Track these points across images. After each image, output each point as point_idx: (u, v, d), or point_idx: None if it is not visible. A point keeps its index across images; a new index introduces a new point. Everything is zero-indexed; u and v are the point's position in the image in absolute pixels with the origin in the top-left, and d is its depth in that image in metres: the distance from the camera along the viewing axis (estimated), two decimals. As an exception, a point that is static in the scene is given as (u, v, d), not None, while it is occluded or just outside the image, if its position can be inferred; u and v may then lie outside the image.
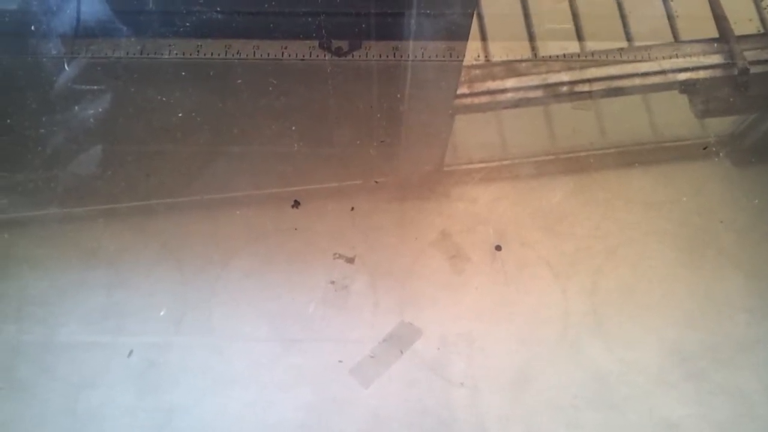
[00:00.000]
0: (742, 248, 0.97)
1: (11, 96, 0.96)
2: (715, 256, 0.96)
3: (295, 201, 0.97)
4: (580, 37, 1.12)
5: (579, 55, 1.11)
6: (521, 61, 1.10)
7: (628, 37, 1.13)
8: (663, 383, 0.89)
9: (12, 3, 0.89)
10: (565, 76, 1.10)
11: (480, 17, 1.13)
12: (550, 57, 1.09)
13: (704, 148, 1.03)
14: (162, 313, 0.88)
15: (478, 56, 1.10)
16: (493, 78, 1.09)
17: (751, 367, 0.91)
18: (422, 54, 1.06)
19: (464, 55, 1.06)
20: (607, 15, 1.13)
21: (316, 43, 1.07)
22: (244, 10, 1.03)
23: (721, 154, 1.03)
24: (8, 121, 0.96)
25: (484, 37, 1.13)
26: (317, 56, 1.06)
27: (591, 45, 1.11)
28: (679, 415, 0.88)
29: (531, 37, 1.12)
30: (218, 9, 1.02)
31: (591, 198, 0.98)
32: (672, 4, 1.15)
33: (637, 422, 0.88)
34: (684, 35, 1.13)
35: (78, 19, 0.93)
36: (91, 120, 0.93)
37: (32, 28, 0.94)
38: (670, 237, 0.96)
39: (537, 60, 1.10)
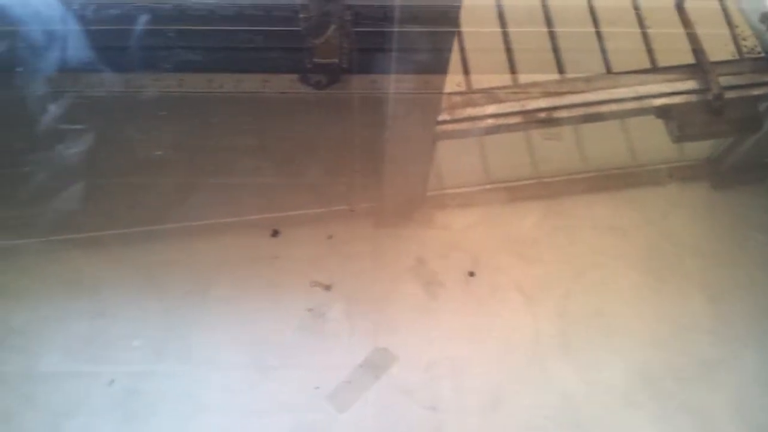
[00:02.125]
0: (705, 272, 1.00)
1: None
2: (679, 280, 1.00)
3: (274, 230, 0.99)
4: (560, 69, 1.15)
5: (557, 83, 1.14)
6: (500, 88, 1.13)
7: (607, 67, 1.16)
8: (629, 403, 0.92)
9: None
10: (542, 103, 1.14)
11: (463, 51, 1.16)
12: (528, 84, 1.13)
13: (670, 175, 1.07)
14: (135, 344, 0.90)
15: (459, 83, 1.13)
16: (473, 105, 1.12)
17: (713, 387, 0.94)
18: (399, 87, 1.09)
19: (442, 88, 1.09)
20: (585, 48, 1.17)
21: (296, 76, 1.10)
22: (227, 45, 1.06)
23: (686, 179, 1.08)
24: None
25: (466, 71, 1.16)
26: (298, 90, 1.09)
27: (570, 75, 1.14)
28: (645, 435, 0.91)
29: (512, 70, 1.15)
30: (201, 44, 1.05)
31: (560, 224, 1.02)
32: (649, 32, 1.19)
33: (605, 442, 0.91)
34: (662, 62, 1.16)
35: (62, 56, 0.96)
36: (75, 155, 0.96)
37: (19, 69, 0.97)
38: (636, 261, 1.00)
39: (516, 87, 1.14)
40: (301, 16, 1.02)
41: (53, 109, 0.95)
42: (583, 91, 1.13)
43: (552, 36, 1.17)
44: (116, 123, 1.05)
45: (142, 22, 1.00)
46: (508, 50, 1.17)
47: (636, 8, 1.20)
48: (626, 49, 1.16)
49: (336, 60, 1.06)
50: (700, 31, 1.19)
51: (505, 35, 1.19)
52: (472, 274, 0.98)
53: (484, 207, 1.03)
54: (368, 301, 0.95)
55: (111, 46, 1.04)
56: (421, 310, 0.95)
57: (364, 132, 1.09)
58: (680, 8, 1.19)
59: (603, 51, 1.17)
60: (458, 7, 1.15)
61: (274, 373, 0.91)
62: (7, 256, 0.96)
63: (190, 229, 1.00)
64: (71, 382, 0.90)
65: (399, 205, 1.03)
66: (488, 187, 1.06)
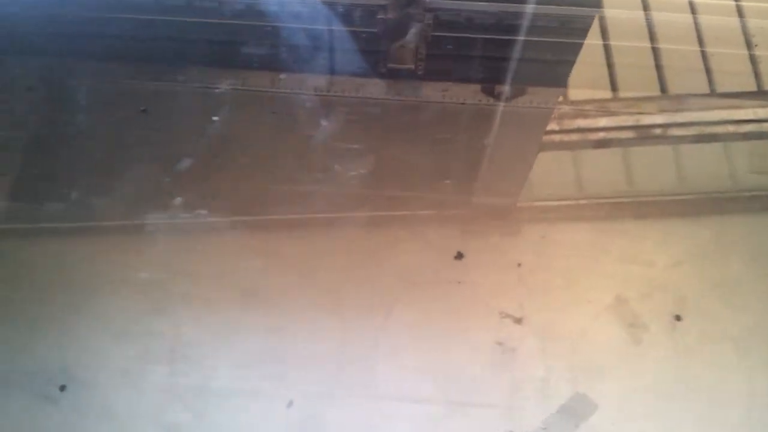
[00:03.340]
0: None
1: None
2: None
3: (458, 252, 0.92)
4: (662, 87, 1.07)
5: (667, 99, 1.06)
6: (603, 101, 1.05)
7: (711, 87, 1.07)
8: None
9: (261, 48, 0.89)
10: (659, 119, 1.07)
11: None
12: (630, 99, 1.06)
13: None
14: (314, 364, 0.83)
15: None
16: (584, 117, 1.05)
17: None
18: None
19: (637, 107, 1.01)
20: (686, 67, 1.08)
21: (478, 86, 1.03)
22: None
23: None
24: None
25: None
26: (479, 101, 1.02)
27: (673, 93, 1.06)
28: None
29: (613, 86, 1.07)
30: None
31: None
32: (756, 54, 1.10)
33: None
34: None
35: (329, 60, 0.92)
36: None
37: (281, 76, 0.94)
38: None
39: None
40: (379, 17, 0.96)
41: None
42: (698, 110, 1.06)
43: (655, 52, 1.09)
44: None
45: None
46: (610, 65, 1.09)
47: (744, 28, 1.11)
48: (729, 71, 1.07)
49: (411, 66, 1.00)
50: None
51: (607, 49, 1.11)
52: (678, 318, 0.88)
53: (690, 244, 0.93)
54: (564, 340, 0.87)
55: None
56: (623, 354, 0.87)
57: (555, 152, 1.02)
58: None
59: (708, 71, 1.08)
60: (592, 18, 1.08)
61: (463, 410, 0.83)
62: (185, 265, 0.91)
63: (370, 243, 0.93)
64: (247, 401, 0.84)
65: (592, 236, 0.95)
66: (690, 219, 0.97)
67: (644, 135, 1.06)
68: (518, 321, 0.88)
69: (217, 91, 0.93)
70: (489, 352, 0.86)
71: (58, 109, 1.00)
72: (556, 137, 1.05)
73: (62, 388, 0.84)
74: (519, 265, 0.91)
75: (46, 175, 0.96)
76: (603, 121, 1.06)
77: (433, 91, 1.03)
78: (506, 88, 1.03)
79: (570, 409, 0.83)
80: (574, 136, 1.05)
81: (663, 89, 1.08)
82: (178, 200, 0.90)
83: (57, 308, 0.88)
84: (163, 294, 0.89)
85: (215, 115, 0.91)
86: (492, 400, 0.84)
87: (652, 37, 1.11)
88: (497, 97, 1.03)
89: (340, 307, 0.88)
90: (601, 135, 1.05)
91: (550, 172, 1.01)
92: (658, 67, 1.08)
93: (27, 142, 0.98)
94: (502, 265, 0.91)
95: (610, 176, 1.01)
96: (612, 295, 0.89)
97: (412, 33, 0.97)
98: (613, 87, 1.08)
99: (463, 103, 1.03)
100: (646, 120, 1.06)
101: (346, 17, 0.97)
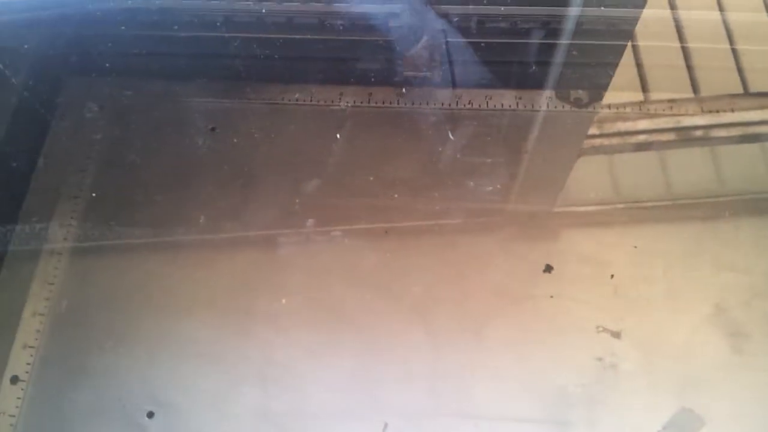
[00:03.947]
0: None
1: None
2: None
3: (547, 265, 0.89)
4: (695, 89, 1.04)
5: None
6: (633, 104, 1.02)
7: (744, 86, 1.05)
8: None
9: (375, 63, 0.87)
10: (699, 120, 1.04)
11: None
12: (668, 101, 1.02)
13: None
14: (407, 384, 0.80)
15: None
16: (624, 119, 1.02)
17: None
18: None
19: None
20: (715, 66, 1.06)
21: (552, 93, 1.01)
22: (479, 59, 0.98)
23: None
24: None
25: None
26: (555, 107, 1.00)
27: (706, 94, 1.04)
28: None
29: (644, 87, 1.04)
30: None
31: None
32: None
33: None
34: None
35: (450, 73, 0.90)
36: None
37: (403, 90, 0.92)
38: None
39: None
40: (391, 24, 0.94)
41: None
42: (741, 110, 1.02)
43: (684, 52, 1.07)
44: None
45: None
46: (639, 65, 1.06)
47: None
48: (762, 68, 1.04)
49: (427, 74, 0.98)
50: None
51: (635, 50, 1.09)
52: (780, 326, 0.85)
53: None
54: (665, 353, 0.84)
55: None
56: (727, 365, 0.84)
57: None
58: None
59: (739, 70, 1.05)
60: (636, 19, 1.06)
61: (566, 429, 0.81)
62: (271, 285, 0.88)
63: (456, 260, 0.90)
64: (340, 423, 0.81)
65: (684, 242, 0.92)
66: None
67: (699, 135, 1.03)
68: (617, 335, 0.85)
69: (336, 108, 0.91)
70: (589, 369, 0.84)
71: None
72: (620, 140, 1.02)
73: (150, 414, 0.82)
74: (612, 276, 0.89)
75: (136, 195, 0.94)
76: (669, 122, 1.03)
77: (507, 99, 1.01)
78: (583, 93, 1.01)
79: (677, 425, 0.80)
80: (642, 138, 1.03)
81: (695, 90, 1.05)
82: (275, 217, 0.88)
83: (145, 332, 0.86)
84: (250, 314, 0.86)
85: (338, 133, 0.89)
86: (599, 417, 0.81)
87: (681, 36, 1.09)
88: (574, 102, 1.01)
89: (430, 323, 0.86)
90: (687, 134, 1.02)
91: (628, 175, 0.98)
92: (689, 68, 1.06)
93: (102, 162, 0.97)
94: (594, 276, 0.89)
95: (692, 177, 0.98)
96: (710, 304, 0.86)
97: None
98: (645, 88, 1.06)
99: (537, 110, 1.00)
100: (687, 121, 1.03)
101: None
